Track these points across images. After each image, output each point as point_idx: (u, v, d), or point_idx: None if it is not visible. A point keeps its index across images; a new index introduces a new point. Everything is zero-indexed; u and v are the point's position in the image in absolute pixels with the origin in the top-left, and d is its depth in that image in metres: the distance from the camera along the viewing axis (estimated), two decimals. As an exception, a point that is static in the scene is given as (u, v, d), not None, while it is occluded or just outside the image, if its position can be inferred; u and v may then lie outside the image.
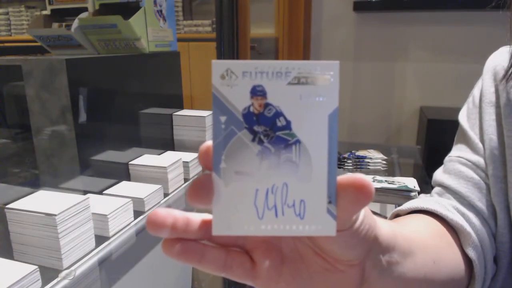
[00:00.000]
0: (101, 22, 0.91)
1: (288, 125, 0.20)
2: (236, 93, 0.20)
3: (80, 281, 0.57)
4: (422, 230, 0.38)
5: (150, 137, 0.99)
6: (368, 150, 1.06)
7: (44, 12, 1.04)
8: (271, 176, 0.20)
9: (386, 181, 0.83)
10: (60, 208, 0.56)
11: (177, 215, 0.22)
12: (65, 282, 0.56)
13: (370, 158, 1.00)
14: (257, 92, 0.20)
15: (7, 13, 3.02)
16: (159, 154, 0.94)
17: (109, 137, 0.86)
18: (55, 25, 1.02)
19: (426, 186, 0.85)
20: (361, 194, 0.20)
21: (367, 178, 0.20)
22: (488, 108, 0.45)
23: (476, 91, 0.49)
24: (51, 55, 1.01)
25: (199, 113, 1.03)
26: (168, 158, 0.90)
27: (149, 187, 0.79)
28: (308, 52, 2.07)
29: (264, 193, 0.21)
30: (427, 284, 0.33)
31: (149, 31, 0.97)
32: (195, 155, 0.96)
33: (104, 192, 0.77)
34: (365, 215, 0.23)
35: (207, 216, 0.23)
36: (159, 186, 0.80)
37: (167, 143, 1.04)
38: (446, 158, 0.48)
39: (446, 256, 0.37)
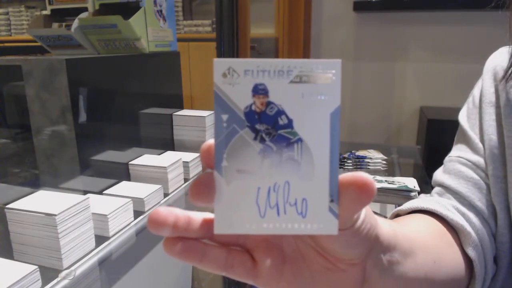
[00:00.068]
0: (101, 22, 0.91)
1: (290, 124, 0.20)
2: (238, 91, 0.20)
3: (80, 281, 0.57)
4: (423, 230, 0.38)
5: (150, 137, 0.99)
6: (368, 150, 1.06)
7: (44, 12, 1.04)
8: (273, 175, 0.20)
9: (386, 181, 0.83)
10: (60, 208, 0.56)
11: (179, 213, 0.22)
12: (65, 282, 0.55)
13: (370, 158, 1.00)
14: (259, 90, 0.20)
15: (7, 13, 3.02)
16: (159, 154, 0.94)
17: (109, 137, 0.86)
18: (55, 25, 1.02)
19: (426, 186, 0.85)
20: (363, 193, 0.20)
21: (369, 177, 0.20)
22: (488, 108, 0.45)
23: (476, 91, 0.49)
24: (51, 55, 1.01)
25: (199, 113, 1.03)
26: (168, 158, 0.90)
27: (149, 187, 0.79)
28: (308, 52, 2.08)
29: (266, 192, 0.21)
30: (427, 284, 0.33)
31: (149, 31, 0.97)
32: (195, 155, 0.96)
33: (104, 192, 0.77)
34: (367, 214, 0.24)
35: (208, 215, 0.23)
36: (159, 186, 0.80)
37: (167, 143, 1.04)
38: (446, 158, 0.48)
39: (447, 256, 0.37)
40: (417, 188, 0.80)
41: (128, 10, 0.93)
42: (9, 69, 0.85)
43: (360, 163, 1.00)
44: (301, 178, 0.20)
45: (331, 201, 0.21)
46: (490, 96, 0.45)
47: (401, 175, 0.94)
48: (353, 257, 0.25)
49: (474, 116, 0.47)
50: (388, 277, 0.28)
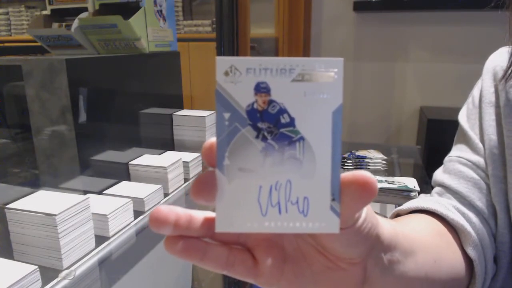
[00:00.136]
0: (101, 22, 0.91)
1: (292, 122, 0.20)
2: (240, 89, 0.20)
3: (80, 281, 0.57)
4: (423, 230, 0.38)
5: (150, 137, 0.99)
6: (368, 150, 1.06)
7: (44, 12, 1.04)
8: (274, 173, 0.20)
9: (386, 181, 0.83)
10: (60, 208, 0.56)
11: (180, 212, 0.22)
12: (65, 282, 0.55)
13: (370, 158, 1.00)
14: (261, 88, 0.20)
15: (7, 13, 3.02)
16: (159, 154, 0.94)
17: (109, 137, 0.85)
18: (55, 25, 1.02)
19: (426, 186, 0.85)
20: (364, 191, 0.20)
21: (371, 175, 0.20)
22: (488, 108, 0.45)
23: (475, 92, 0.49)
24: (51, 55, 1.01)
25: (199, 113, 1.03)
26: (168, 158, 0.90)
27: (149, 187, 0.79)
28: (308, 52, 2.08)
29: (268, 190, 0.21)
30: (428, 283, 0.33)
31: (149, 31, 0.97)
32: (195, 155, 0.96)
33: (104, 192, 0.77)
34: (368, 213, 0.24)
35: (209, 214, 0.23)
36: (159, 186, 0.80)
37: (167, 143, 1.04)
38: (446, 158, 0.48)
39: (447, 256, 0.37)
40: (417, 188, 0.80)
41: (128, 10, 0.93)
42: (9, 69, 0.85)
43: (360, 163, 1.00)
44: (302, 177, 0.20)
45: (333, 199, 0.21)
46: (489, 96, 0.46)
47: (401, 175, 0.94)
48: (354, 256, 0.25)
49: (474, 116, 0.47)
50: (388, 276, 0.28)
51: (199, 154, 0.96)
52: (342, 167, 1.00)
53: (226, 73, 0.20)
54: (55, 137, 0.75)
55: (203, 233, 0.23)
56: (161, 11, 1.02)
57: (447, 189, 0.45)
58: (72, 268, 0.58)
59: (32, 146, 0.78)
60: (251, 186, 0.21)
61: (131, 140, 0.92)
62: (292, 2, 1.95)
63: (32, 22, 1.16)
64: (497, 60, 0.47)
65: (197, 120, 1.02)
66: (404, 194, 0.79)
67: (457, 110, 0.51)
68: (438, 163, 0.50)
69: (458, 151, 0.47)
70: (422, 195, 0.68)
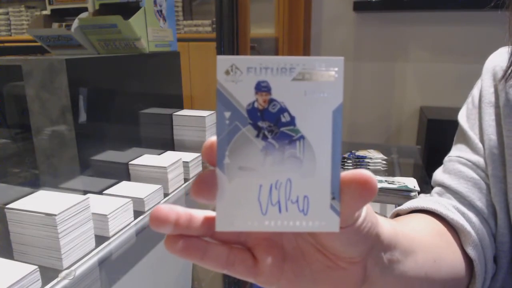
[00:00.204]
0: (101, 22, 0.91)
1: (292, 121, 0.20)
2: (240, 88, 0.20)
3: (80, 281, 0.57)
4: (423, 229, 0.38)
5: (150, 137, 0.99)
6: (368, 150, 1.06)
7: (44, 12, 1.04)
8: (275, 172, 0.20)
9: (386, 181, 0.83)
10: (60, 208, 0.56)
11: (180, 211, 0.22)
12: (65, 282, 0.55)
13: (370, 158, 1.00)
14: (262, 87, 0.20)
15: (7, 13, 3.02)
16: (159, 154, 0.94)
17: (109, 137, 0.86)
18: (55, 25, 1.02)
19: (426, 186, 0.85)
20: (364, 190, 0.20)
21: (371, 174, 0.20)
22: (488, 108, 0.45)
23: (475, 92, 0.49)
24: (51, 55, 1.01)
25: (199, 113, 1.03)
26: (168, 158, 0.90)
27: (149, 187, 0.79)
28: (308, 52, 2.08)
29: (268, 189, 0.21)
30: (428, 283, 0.33)
31: (149, 31, 0.97)
32: (195, 155, 0.96)
33: (104, 192, 0.77)
34: (368, 213, 0.24)
35: (209, 213, 0.23)
36: (159, 186, 0.80)
37: (167, 143, 1.04)
38: (446, 158, 0.48)
39: (447, 255, 0.37)
40: (417, 188, 0.80)
41: (128, 10, 0.93)
42: (9, 69, 0.85)
43: (360, 163, 1.00)
44: (303, 176, 0.20)
45: (333, 198, 0.21)
46: (489, 96, 0.46)
47: (401, 175, 0.94)
48: (353, 255, 0.25)
49: (474, 116, 0.47)
50: (388, 275, 0.28)
51: (199, 154, 0.96)
52: (342, 167, 1.00)
53: (227, 72, 0.20)
54: (55, 137, 0.75)
55: (203, 232, 0.23)
56: (161, 11, 1.02)
57: (447, 189, 0.45)
58: (72, 268, 0.58)
59: (32, 146, 0.78)
60: (252, 185, 0.21)
61: (131, 140, 0.92)
62: (292, 2, 1.95)
63: (32, 22, 1.16)
64: (496, 60, 0.47)
65: (197, 120, 1.02)
66: (404, 194, 0.79)
67: (457, 110, 0.51)
68: (438, 163, 0.50)
69: (458, 151, 0.47)
70: (422, 195, 0.68)
